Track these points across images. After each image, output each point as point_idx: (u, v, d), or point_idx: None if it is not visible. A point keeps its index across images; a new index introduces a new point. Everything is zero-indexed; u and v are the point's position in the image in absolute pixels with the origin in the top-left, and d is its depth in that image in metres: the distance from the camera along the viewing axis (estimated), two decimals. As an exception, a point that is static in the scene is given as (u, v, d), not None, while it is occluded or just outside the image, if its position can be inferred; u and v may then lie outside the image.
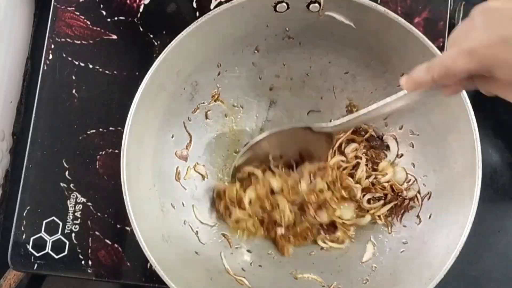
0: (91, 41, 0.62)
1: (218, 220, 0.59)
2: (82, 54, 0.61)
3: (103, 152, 0.60)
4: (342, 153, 0.59)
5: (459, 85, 0.39)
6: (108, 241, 0.59)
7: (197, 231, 0.58)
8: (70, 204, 0.60)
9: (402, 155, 0.59)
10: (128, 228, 0.59)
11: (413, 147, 0.57)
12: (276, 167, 0.59)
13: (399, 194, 0.57)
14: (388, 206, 0.57)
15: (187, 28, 0.50)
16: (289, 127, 0.57)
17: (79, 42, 0.62)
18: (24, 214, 0.60)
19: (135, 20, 0.62)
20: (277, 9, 0.52)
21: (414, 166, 0.58)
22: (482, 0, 0.63)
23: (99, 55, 0.61)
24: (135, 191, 0.50)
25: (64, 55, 0.61)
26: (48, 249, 0.59)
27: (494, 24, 0.34)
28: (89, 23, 0.62)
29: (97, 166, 0.60)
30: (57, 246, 0.59)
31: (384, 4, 0.53)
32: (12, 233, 0.59)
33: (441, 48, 0.56)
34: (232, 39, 0.55)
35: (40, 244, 0.59)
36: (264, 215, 0.58)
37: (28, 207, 0.60)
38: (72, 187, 0.60)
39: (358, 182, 0.58)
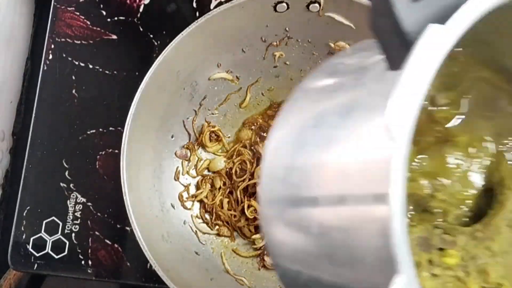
0: (91, 41, 0.62)
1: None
2: (82, 54, 0.61)
3: (103, 152, 0.60)
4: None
5: None
6: (108, 241, 0.59)
7: (196, 231, 0.58)
8: (70, 204, 0.60)
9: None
10: (128, 228, 0.59)
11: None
12: None
13: None
14: None
15: (187, 28, 0.50)
16: None
17: (79, 42, 0.62)
18: (24, 214, 0.60)
19: (135, 20, 0.62)
20: (277, 9, 0.52)
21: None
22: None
23: (99, 55, 0.61)
24: (135, 191, 0.50)
25: (64, 55, 0.61)
26: (48, 249, 0.59)
27: None
28: (89, 23, 0.62)
29: (97, 166, 0.60)
30: (57, 246, 0.59)
31: (384, 4, 0.53)
32: (12, 233, 0.59)
33: (441, 48, 0.56)
34: (232, 39, 0.55)
35: (40, 244, 0.59)
36: None
37: (28, 207, 0.60)
38: (72, 187, 0.60)
39: None
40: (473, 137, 0.37)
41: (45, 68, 0.61)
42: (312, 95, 0.34)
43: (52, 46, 0.62)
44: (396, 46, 0.25)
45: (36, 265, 0.59)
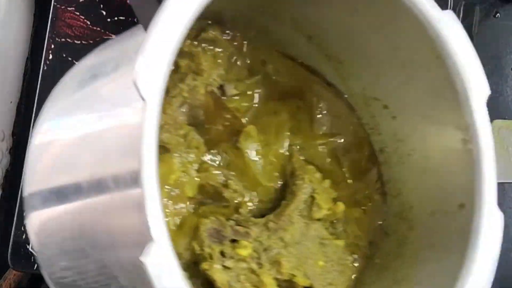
0: (91, 41, 0.61)
1: None
2: (82, 54, 0.61)
3: (103, 152, 0.60)
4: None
5: None
6: (108, 241, 0.59)
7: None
8: (70, 204, 0.60)
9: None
10: (128, 228, 0.59)
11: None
12: None
13: None
14: None
15: (187, 28, 0.50)
16: None
17: (79, 42, 0.61)
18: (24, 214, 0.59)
19: (135, 20, 0.61)
20: (277, 9, 0.52)
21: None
22: (482, 0, 0.63)
23: (99, 55, 0.61)
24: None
25: (64, 55, 0.61)
26: (48, 249, 0.59)
27: None
28: (89, 23, 0.62)
29: (97, 166, 0.60)
30: (57, 246, 0.59)
31: (384, 4, 0.53)
32: (12, 233, 0.59)
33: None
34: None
35: (40, 244, 0.59)
36: None
37: (28, 207, 0.60)
38: (72, 187, 0.60)
39: None
40: (267, 129, 0.38)
41: (45, 68, 0.61)
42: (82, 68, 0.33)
43: (52, 46, 0.62)
44: (148, 3, 0.24)
45: (36, 265, 0.59)
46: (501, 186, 0.62)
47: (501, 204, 0.64)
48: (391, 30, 0.34)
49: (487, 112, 0.32)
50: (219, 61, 0.36)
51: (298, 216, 0.36)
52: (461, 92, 0.32)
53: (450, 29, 0.31)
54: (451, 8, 0.57)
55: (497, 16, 0.65)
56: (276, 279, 0.33)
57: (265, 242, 0.34)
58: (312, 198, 0.36)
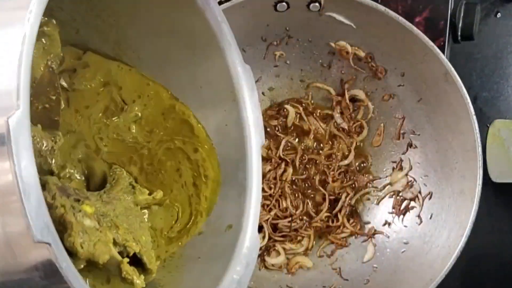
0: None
1: None
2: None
3: (103, 152, 0.60)
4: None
5: None
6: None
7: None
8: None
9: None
10: (128, 229, 0.59)
11: (414, 147, 0.57)
12: None
13: None
14: None
15: (187, 27, 0.50)
16: None
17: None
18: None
19: None
20: (277, 8, 0.52)
21: (414, 167, 0.58)
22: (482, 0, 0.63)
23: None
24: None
25: (63, 55, 0.61)
26: (47, 249, 0.59)
27: None
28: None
29: (97, 166, 0.60)
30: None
31: (384, 3, 0.53)
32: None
33: (442, 48, 0.56)
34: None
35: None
36: None
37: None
38: (72, 187, 0.60)
39: None
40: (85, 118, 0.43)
41: (44, 67, 0.61)
42: None
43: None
44: None
45: None
46: (501, 186, 0.62)
47: (502, 204, 0.64)
48: (202, 69, 0.40)
49: (260, 155, 0.40)
50: (43, 52, 0.39)
51: (124, 195, 0.41)
52: (246, 136, 0.39)
53: (247, 81, 0.39)
54: (452, 7, 0.57)
55: (497, 15, 0.65)
56: (115, 244, 0.37)
57: (101, 209, 0.38)
58: (133, 186, 0.42)
